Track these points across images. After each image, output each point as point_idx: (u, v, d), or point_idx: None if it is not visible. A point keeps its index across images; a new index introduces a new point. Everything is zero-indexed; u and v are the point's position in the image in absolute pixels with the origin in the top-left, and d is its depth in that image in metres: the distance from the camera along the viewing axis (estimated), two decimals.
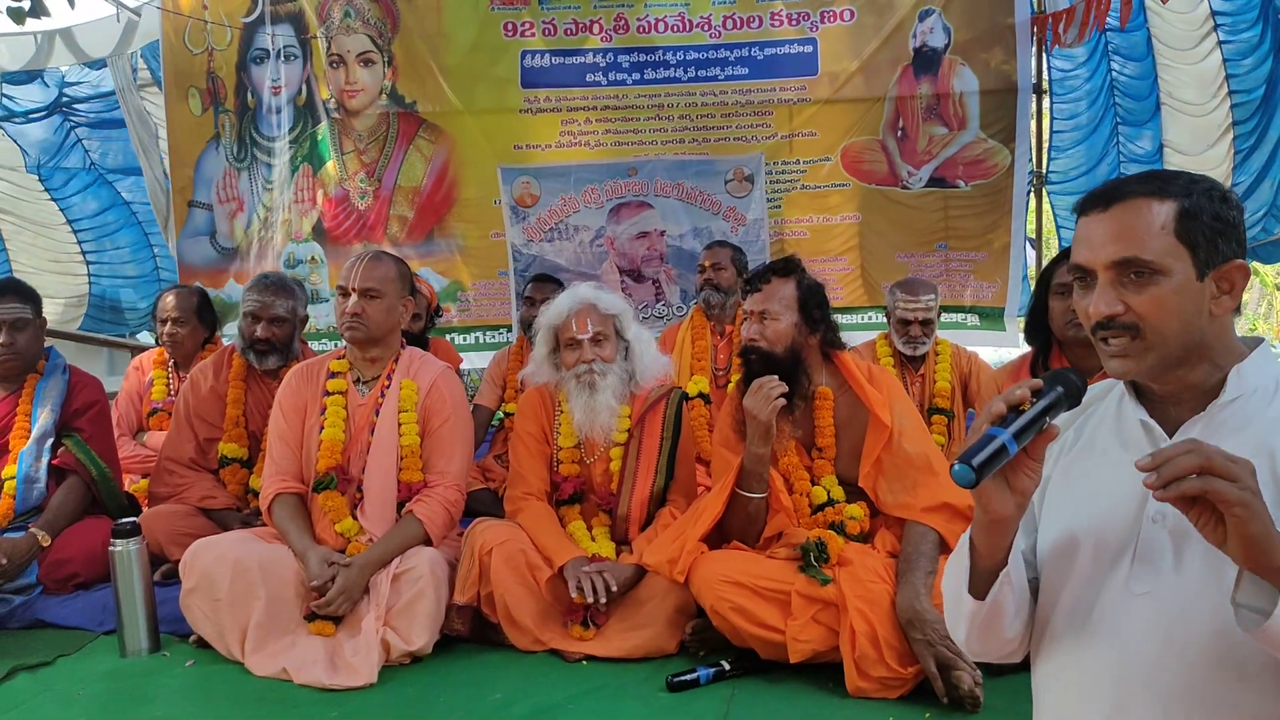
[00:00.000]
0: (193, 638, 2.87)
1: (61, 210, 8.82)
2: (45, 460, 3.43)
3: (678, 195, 6.50)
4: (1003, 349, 6.26)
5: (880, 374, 2.80)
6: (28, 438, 3.42)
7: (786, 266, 2.82)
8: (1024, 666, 1.46)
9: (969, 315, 6.00)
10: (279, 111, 6.59)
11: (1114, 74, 6.50)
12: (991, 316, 5.99)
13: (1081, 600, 1.35)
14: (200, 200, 6.70)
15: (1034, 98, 5.88)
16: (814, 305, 2.79)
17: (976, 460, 1.20)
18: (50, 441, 3.45)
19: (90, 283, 8.87)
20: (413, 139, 6.57)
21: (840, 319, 6.21)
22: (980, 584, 1.39)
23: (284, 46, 6.44)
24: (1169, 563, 1.28)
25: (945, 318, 5.85)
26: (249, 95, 6.56)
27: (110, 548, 2.83)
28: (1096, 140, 6.72)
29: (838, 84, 6.14)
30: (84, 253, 8.89)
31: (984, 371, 4.12)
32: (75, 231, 8.84)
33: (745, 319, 2.78)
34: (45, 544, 3.24)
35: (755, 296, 2.75)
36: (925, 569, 2.43)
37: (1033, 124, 5.90)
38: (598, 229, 6.57)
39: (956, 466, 1.20)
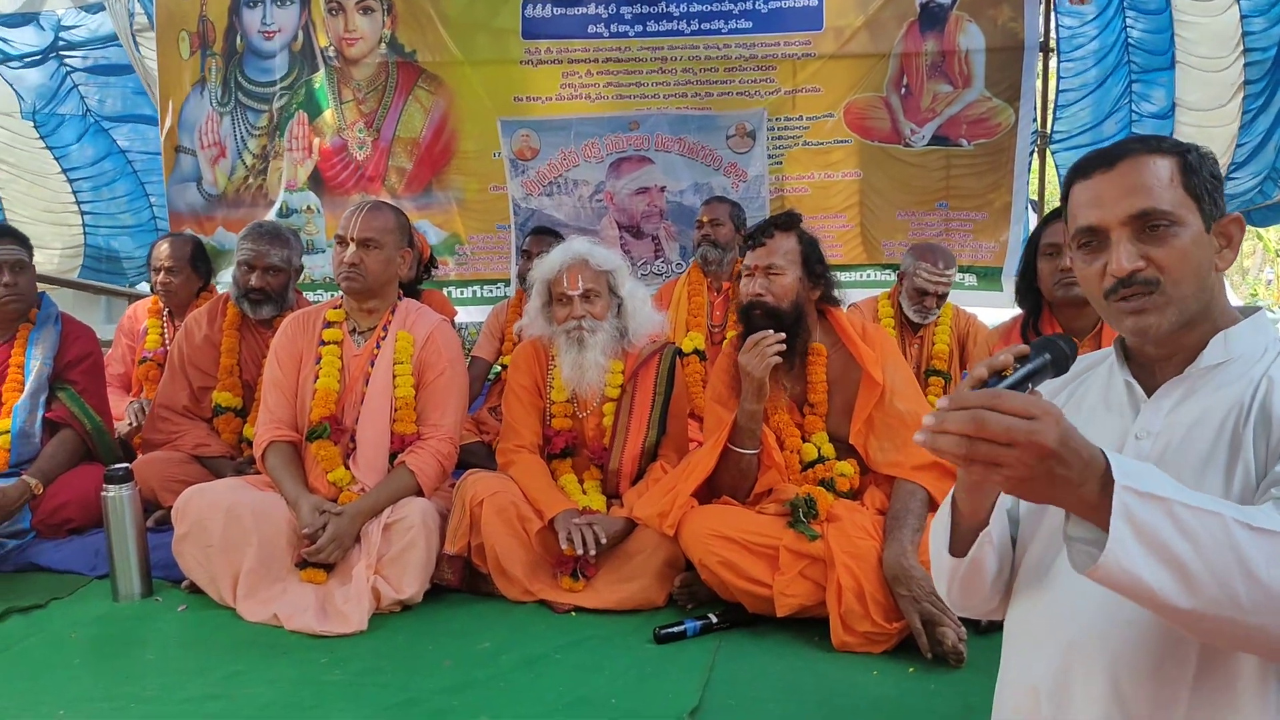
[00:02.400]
0: (185, 583, 2.90)
1: (56, 159, 8.74)
2: (40, 414, 3.44)
3: (679, 150, 6.44)
4: (1001, 309, 6.25)
5: (874, 331, 2.79)
6: (21, 390, 3.42)
7: (788, 221, 2.80)
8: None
9: (967, 275, 5.98)
10: (272, 57, 6.51)
11: (1128, 29, 6.40)
12: (990, 277, 5.97)
13: (1046, 554, 1.37)
14: (185, 145, 6.64)
15: (1040, 56, 5.81)
16: (815, 260, 2.78)
17: None
18: (44, 395, 3.44)
19: (85, 233, 8.81)
20: (412, 89, 6.50)
21: (839, 276, 6.20)
22: (962, 542, 1.40)
23: None
24: None
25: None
26: (238, 39, 6.48)
27: (103, 493, 2.84)
28: (1104, 98, 6.64)
29: (843, 39, 6.06)
30: (79, 203, 8.82)
31: (980, 332, 4.11)
32: (70, 181, 8.77)
33: (747, 275, 2.75)
34: (38, 491, 3.25)
35: (758, 251, 2.72)
36: (913, 526, 2.43)
37: (1038, 83, 5.83)
38: (597, 184, 6.53)
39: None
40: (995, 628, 2.44)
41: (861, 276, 6.14)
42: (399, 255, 3.08)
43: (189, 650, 2.53)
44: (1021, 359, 1.25)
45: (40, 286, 3.70)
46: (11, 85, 8.54)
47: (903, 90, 6.01)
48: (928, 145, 5.98)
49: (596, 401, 3.03)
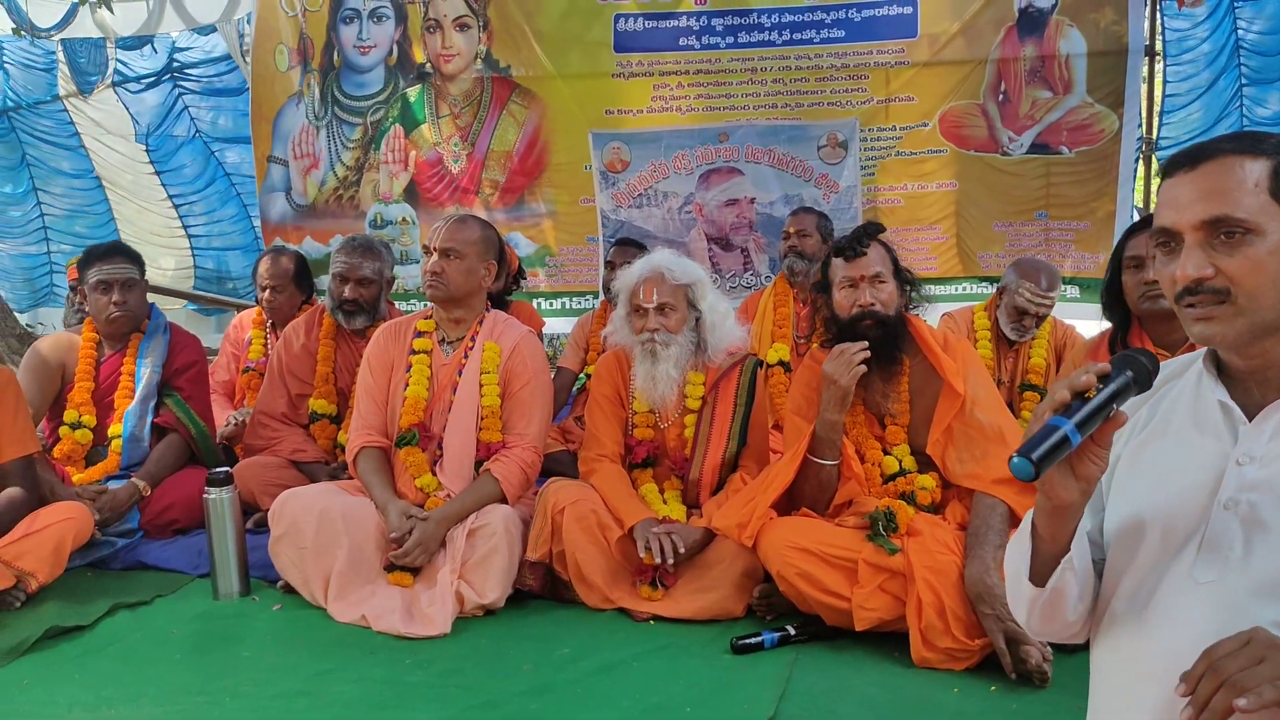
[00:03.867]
0: (280, 583, 3.00)
1: (163, 185, 9.14)
2: (149, 419, 3.61)
3: (769, 161, 6.41)
4: (1104, 322, 6.05)
5: (956, 342, 2.74)
6: (132, 397, 3.59)
7: (877, 229, 2.79)
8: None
9: (1069, 287, 5.79)
10: (368, 71, 6.70)
11: (1240, 31, 6.15)
12: (1093, 288, 5.77)
13: (1144, 585, 1.30)
14: (277, 156, 6.87)
15: (1145, 60, 5.61)
16: (903, 268, 2.77)
17: (1037, 454, 1.15)
18: (153, 402, 3.61)
19: (194, 254, 9.20)
20: (506, 103, 6.62)
21: (934, 290, 6.09)
22: (1042, 568, 1.34)
23: (374, 8, 6.55)
24: (1237, 553, 1.22)
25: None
26: (335, 55, 6.69)
27: (205, 495, 2.96)
28: (1214, 102, 6.38)
29: (937, 46, 5.96)
30: (185, 227, 9.22)
31: (1078, 343, 3.98)
32: (176, 207, 9.16)
33: (847, 286, 2.70)
34: (146, 493, 3.41)
35: (859, 261, 2.69)
36: (994, 542, 2.38)
37: (1144, 87, 5.63)
38: (687, 195, 6.53)
39: (1015, 459, 1.16)
40: (1082, 648, 2.36)
41: (957, 290, 6.01)
42: (483, 266, 3.15)
43: (282, 648, 2.62)
44: (1103, 377, 1.21)
45: (151, 297, 3.89)
46: (128, 108, 8.99)
47: (1000, 97, 5.87)
48: (1026, 153, 5.82)
49: (677, 412, 3.04)
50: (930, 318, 4.66)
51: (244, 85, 7.43)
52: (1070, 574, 1.31)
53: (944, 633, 2.33)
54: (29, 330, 7.96)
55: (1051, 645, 2.27)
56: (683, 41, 6.29)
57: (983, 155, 5.92)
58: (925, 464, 2.70)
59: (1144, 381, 1.23)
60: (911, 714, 2.14)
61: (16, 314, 8.09)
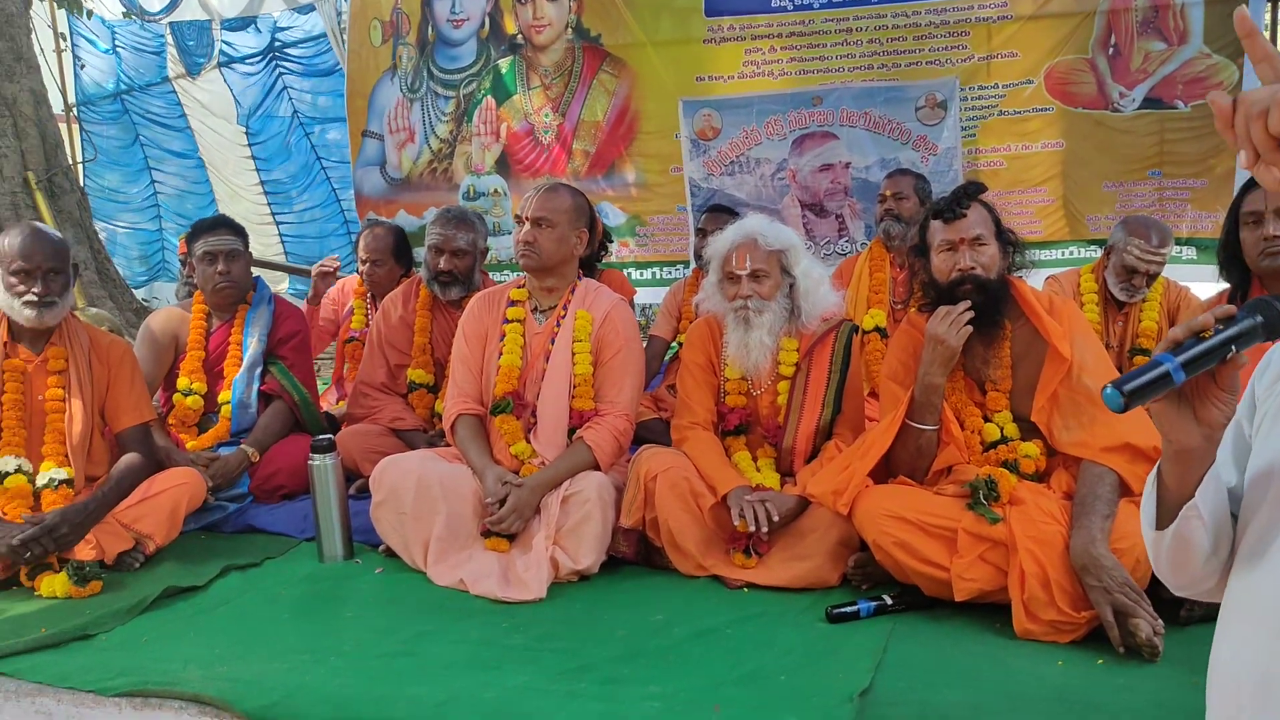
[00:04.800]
0: (382, 547, 3.08)
1: (257, 169, 9.39)
2: (255, 386, 3.73)
3: (864, 125, 6.26)
4: (1222, 284, 5.77)
5: (1061, 304, 2.63)
6: (240, 365, 3.72)
7: (977, 189, 2.70)
8: (1211, 616, 1.36)
9: (1185, 248, 5.53)
10: (460, 44, 6.76)
11: None
12: (1209, 250, 5.49)
13: (1268, 531, 1.24)
14: (373, 130, 6.98)
15: (1268, 6, 5.29)
16: (1005, 229, 2.69)
17: (1130, 386, 1.12)
18: (259, 369, 3.73)
19: (283, 242, 9.45)
20: (597, 73, 6.60)
21: (1039, 254, 5.90)
22: (1168, 515, 1.30)
23: None
24: None
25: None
26: (429, 29, 6.76)
27: (309, 462, 3.05)
28: None
29: None
30: (273, 214, 9.47)
31: (1192, 304, 3.79)
32: (266, 194, 9.41)
33: (946, 249, 2.63)
34: (255, 459, 3.54)
35: (959, 224, 2.61)
36: (1102, 512, 2.29)
37: (1265, 35, 5.31)
38: (779, 162, 6.43)
39: (1108, 389, 1.13)
40: (1195, 621, 2.28)
41: (1064, 254, 5.79)
42: (575, 235, 3.16)
43: (383, 610, 2.69)
44: (1227, 321, 1.15)
45: (255, 271, 4.02)
46: (232, 89, 9.25)
47: (1110, 51, 5.61)
48: (1139, 109, 5.55)
49: (770, 379, 3.00)
50: (1034, 282, 4.52)
51: (339, 65, 7.56)
52: (1197, 522, 1.26)
53: (1048, 604, 2.26)
54: (144, 305, 8.32)
55: (1163, 618, 2.18)
56: (775, 3, 6.16)
57: (1091, 112, 5.67)
58: (1028, 431, 2.61)
59: (1275, 328, 1.16)
60: (1014, 687, 2.08)
61: (132, 289, 8.46)
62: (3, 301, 3.03)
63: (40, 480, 3.00)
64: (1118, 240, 3.80)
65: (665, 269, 6.52)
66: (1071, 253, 5.76)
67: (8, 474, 2.97)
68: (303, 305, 4.77)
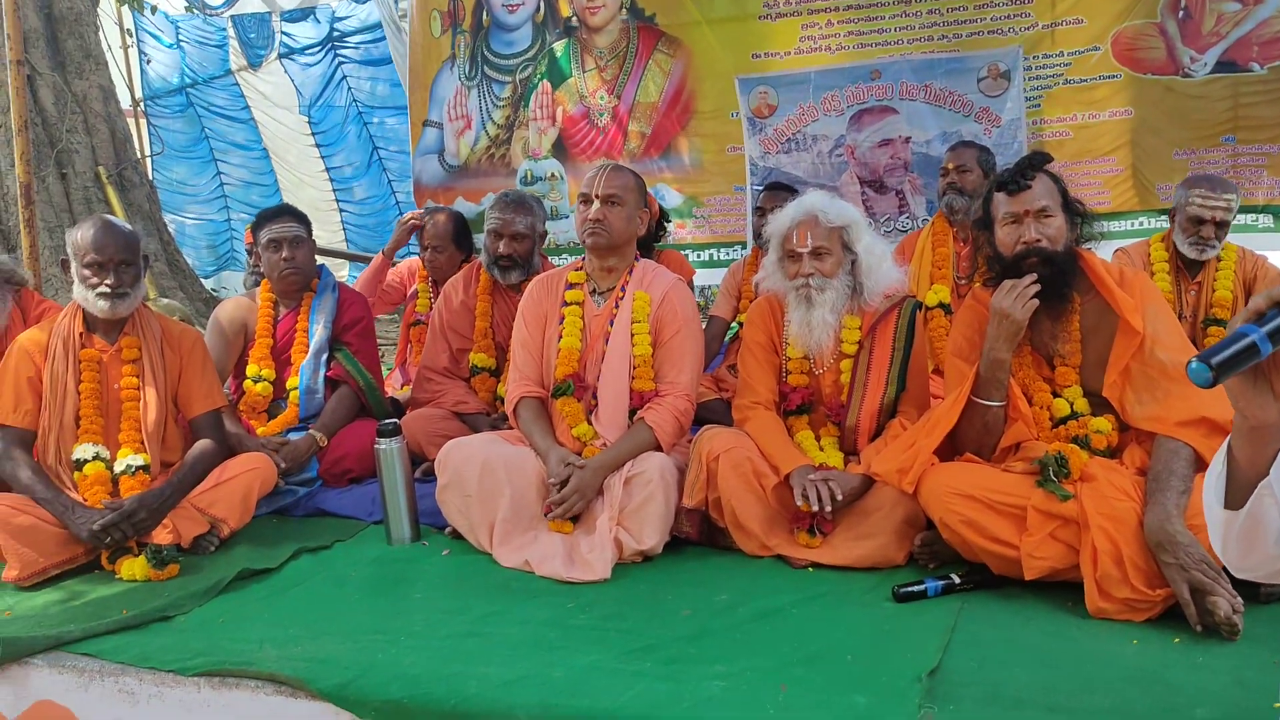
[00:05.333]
0: (448, 529, 3.12)
1: (322, 157, 9.53)
2: (322, 372, 3.78)
3: (925, 98, 6.15)
4: None
5: (1132, 276, 2.56)
6: (307, 351, 3.78)
7: (1043, 160, 2.65)
8: None
9: (1261, 216, 5.35)
10: (516, 29, 6.77)
11: None
12: None
13: None
14: (433, 119, 7.03)
15: None
16: (1072, 200, 2.63)
17: (1217, 358, 1.09)
18: (325, 356, 3.79)
19: (345, 229, 9.59)
20: (652, 53, 6.57)
21: (1108, 226, 5.75)
22: (1238, 493, 1.27)
23: None
24: None
25: (1241, 219, 5.25)
26: (484, 14, 6.77)
27: (376, 446, 3.10)
28: None
29: None
30: (338, 200, 9.61)
31: (1270, 274, 3.67)
32: (332, 180, 9.55)
33: (1010, 222, 2.58)
34: (322, 444, 3.60)
35: (1024, 195, 2.55)
36: (1178, 488, 2.23)
37: None
38: (837, 138, 6.35)
39: (1193, 363, 1.09)
40: (1276, 599, 2.22)
41: (1134, 225, 5.64)
42: (639, 214, 3.16)
43: (451, 591, 2.72)
44: None
45: (319, 260, 4.08)
46: (293, 80, 9.40)
47: (1181, 14, 5.43)
48: (1210, 74, 5.38)
49: (833, 358, 2.97)
50: (1102, 254, 4.41)
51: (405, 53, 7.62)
52: (1270, 501, 1.23)
53: (1122, 582, 2.21)
54: (213, 294, 8.52)
55: (1242, 595, 2.12)
56: None
57: (1161, 78, 5.50)
58: (1099, 406, 2.55)
59: None
60: (1087, 666, 2.04)
61: (201, 279, 8.67)
62: (77, 293, 3.12)
63: (118, 467, 3.09)
64: (1179, 199, 3.77)
65: (723, 250, 6.49)
66: (1141, 223, 5.60)
67: (87, 461, 3.06)
68: (377, 256, 4.89)
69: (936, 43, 6.05)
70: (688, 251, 6.52)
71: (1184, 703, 1.88)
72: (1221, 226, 3.68)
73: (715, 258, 6.53)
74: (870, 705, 1.91)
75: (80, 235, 3.09)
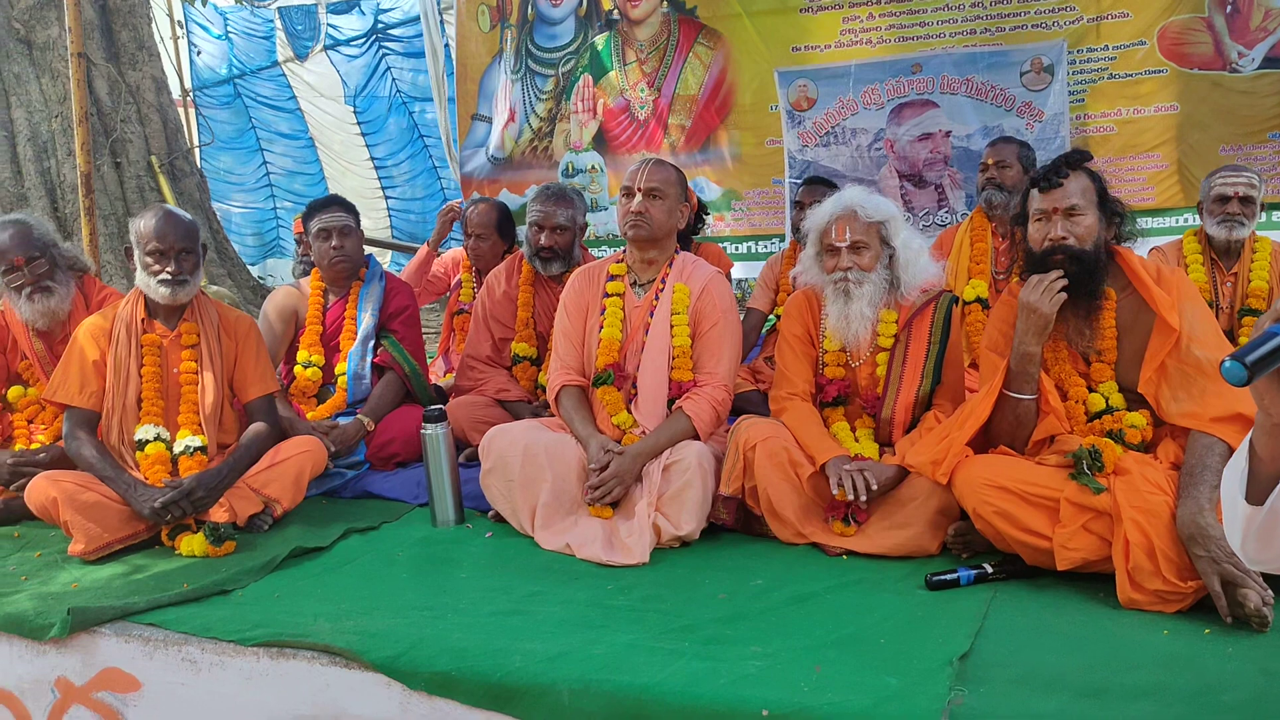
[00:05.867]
0: (491, 513, 3.20)
1: (367, 146, 9.67)
2: (369, 359, 3.89)
3: (966, 91, 6.15)
4: None
5: (1170, 274, 2.59)
6: (355, 338, 3.89)
7: (1080, 158, 2.68)
8: None
9: None
10: (559, 23, 6.84)
11: None
12: None
13: None
14: (482, 114, 7.12)
15: None
16: (1110, 198, 2.66)
17: (1250, 357, 1.13)
18: (372, 342, 3.90)
19: (390, 216, 9.72)
20: (692, 46, 6.62)
21: (1152, 222, 5.73)
22: (1259, 489, 1.30)
23: None
24: None
25: (1277, 216, 5.21)
26: (529, 8, 6.85)
27: (422, 431, 3.19)
28: None
29: None
30: (384, 188, 9.75)
31: None
32: (377, 168, 9.69)
33: (1040, 218, 2.63)
34: (370, 428, 3.71)
35: (1054, 193, 2.60)
36: (1210, 483, 2.26)
37: None
38: (876, 132, 6.37)
39: (1227, 363, 1.14)
40: None
41: (1179, 221, 5.61)
42: (680, 207, 3.23)
43: (494, 571, 2.81)
44: None
45: (366, 249, 4.19)
46: (338, 70, 9.54)
47: (1228, 8, 5.40)
48: (1258, 69, 5.35)
49: (869, 351, 3.02)
50: (1140, 251, 4.40)
51: (442, 45, 7.72)
52: None
53: (1153, 574, 2.25)
54: (260, 281, 8.70)
55: (1272, 589, 2.16)
56: None
57: (1208, 73, 5.47)
58: (1135, 401, 2.58)
59: None
60: (1118, 655, 2.09)
61: (248, 266, 8.84)
62: (140, 280, 3.24)
63: (177, 447, 3.21)
64: (1204, 190, 3.90)
65: (761, 242, 6.53)
66: (1186, 220, 5.58)
67: (148, 441, 3.18)
68: (422, 247, 5.01)
69: (979, 36, 6.05)
70: (726, 244, 6.57)
71: (1213, 688, 1.92)
72: (1246, 203, 3.77)
73: (753, 250, 6.57)
74: (902, 686, 1.96)
75: (143, 224, 3.21)
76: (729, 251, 6.40)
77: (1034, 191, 2.64)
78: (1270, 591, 2.14)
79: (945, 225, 5.82)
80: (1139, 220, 6.07)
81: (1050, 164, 2.65)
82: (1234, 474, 1.35)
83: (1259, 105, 5.34)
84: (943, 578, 2.49)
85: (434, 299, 5.32)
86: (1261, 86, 5.32)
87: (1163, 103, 5.63)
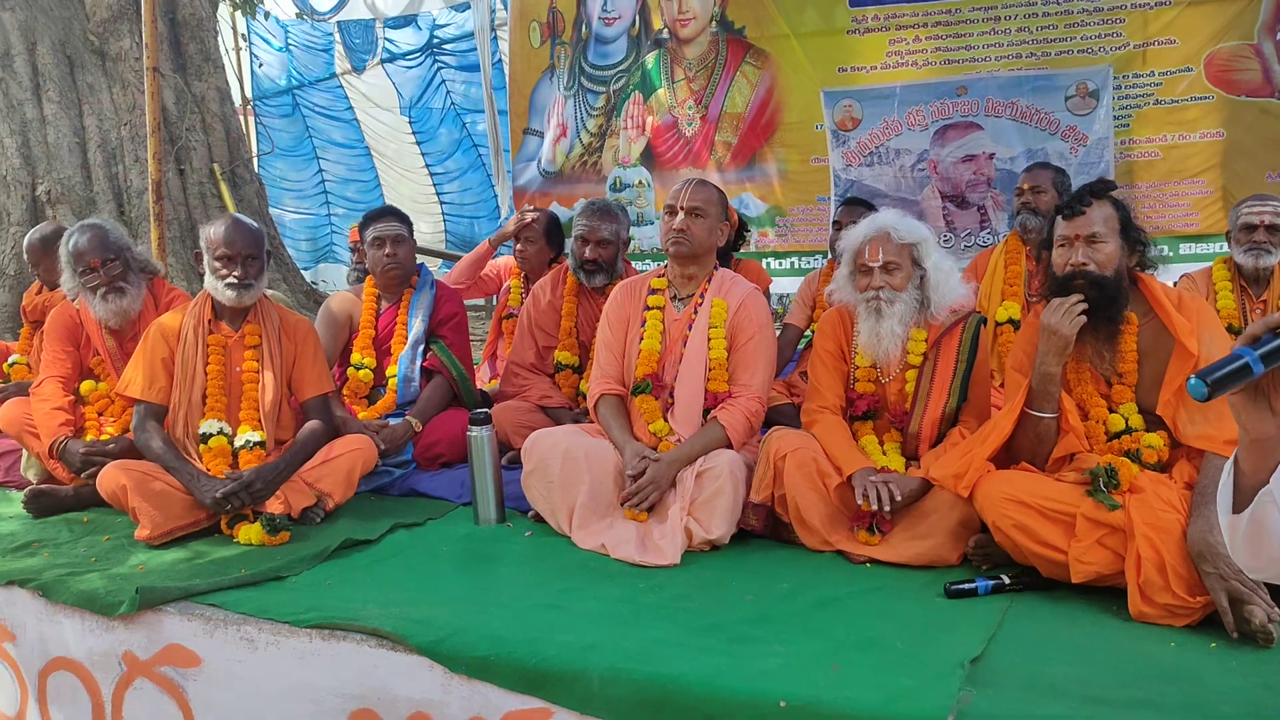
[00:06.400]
0: (531, 513, 3.34)
1: (422, 154, 9.90)
2: (418, 362, 4.07)
3: (1010, 115, 6.21)
4: None
5: (1190, 300, 2.68)
6: (405, 343, 4.07)
7: (1104, 187, 2.77)
8: None
9: None
10: (612, 42, 7.00)
11: None
12: None
13: None
14: (534, 128, 7.30)
15: None
16: (1133, 227, 2.75)
17: (1212, 376, 1.24)
18: (421, 347, 4.07)
19: (445, 220, 9.93)
20: (740, 65, 6.74)
21: (1194, 249, 5.75)
22: (1243, 500, 1.40)
23: None
24: None
25: None
26: (584, 27, 7.02)
27: (468, 433, 3.35)
28: None
29: None
30: (439, 194, 9.97)
31: None
32: (431, 175, 9.91)
33: (1064, 245, 2.74)
34: (418, 429, 3.88)
35: (1078, 221, 2.70)
36: None
37: None
38: (920, 152, 6.44)
39: (1192, 380, 1.26)
40: None
41: (1222, 247, 5.64)
42: (720, 226, 3.36)
43: (533, 568, 2.95)
44: None
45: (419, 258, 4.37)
46: (394, 82, 9.79)
47: (1278, 35, 5.42)
48: None
49: (899, 368, 3.12)
50: (1171, 277, 4.45)
51: (495, 60, 7.92)
52: (1271, 506, 1.36)
53: (1163, 589, 2.33)
54: (313, 286, 8.95)
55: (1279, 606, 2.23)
56: None
57: (1256, 100, 5.50)
58: (1153, 423, 2.67)
59: None
60: (1125, 664, 2.17)
61: (302, 271, 9.11)
62: (208, 283, 3.44)
63: (238, 442, 3.40)
64: (1231, 219, 4.00)
65: (804, 259, 6.62)
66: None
67: (211, 435, 3.38)
68: (482, 244, 5.19)
69: (1025, 60, 6.11)
70: (769, 259, 6.66)
71: (1213, 700, 2.00)
72: (1273, 231, 3.84)
73: (797, 266, 6.67)
74: (914, 686, 2.06)
75: (214, 231, 3.41)
76: (772, 267, 6.51)
77: (1059, 219, 2.74)
78: (1277, 609, 2.22)
79: (987, 246, 5.88)
80: (1181, 246, 6.08)
81: (1075, 193, 2.74)
82: (1223, 488, 1.45)
83: None
84: (961, 587, 2.59)
85: (481, 296, 5.47)
86: None
87: (1208, 129, 5.65)
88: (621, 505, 3.14)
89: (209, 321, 3.47)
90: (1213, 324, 2.64)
